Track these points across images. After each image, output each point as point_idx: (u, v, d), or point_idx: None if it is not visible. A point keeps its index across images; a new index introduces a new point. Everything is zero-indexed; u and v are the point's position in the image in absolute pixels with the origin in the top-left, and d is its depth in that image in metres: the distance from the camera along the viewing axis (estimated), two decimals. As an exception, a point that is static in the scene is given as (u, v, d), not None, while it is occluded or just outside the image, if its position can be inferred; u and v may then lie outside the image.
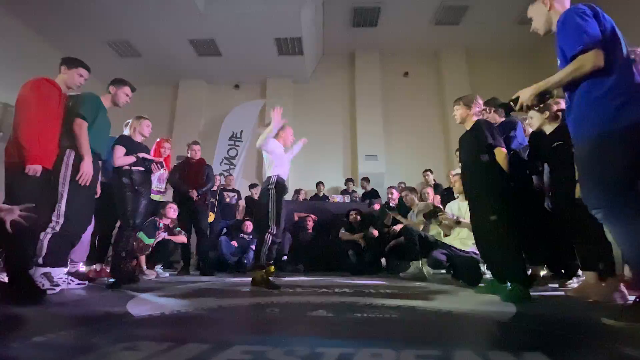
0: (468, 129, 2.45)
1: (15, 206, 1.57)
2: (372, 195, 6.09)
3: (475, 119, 2.43)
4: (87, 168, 2.27)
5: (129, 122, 3.23)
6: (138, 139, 3.05)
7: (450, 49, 7.41)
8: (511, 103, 1.74)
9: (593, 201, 1.43)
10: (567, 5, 1.64)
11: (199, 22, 5.94)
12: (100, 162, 2.52)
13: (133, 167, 2.86)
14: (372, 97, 7.41)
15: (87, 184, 2.30)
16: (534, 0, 1.71)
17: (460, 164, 2.67)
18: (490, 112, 2.77)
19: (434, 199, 4.35)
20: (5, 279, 1.94)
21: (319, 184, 6.52)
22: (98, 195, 2.68)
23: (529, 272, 2.61)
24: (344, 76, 7.79)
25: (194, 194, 3.97)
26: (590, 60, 1.39)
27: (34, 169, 2.06)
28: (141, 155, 2.92)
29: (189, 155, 4.26)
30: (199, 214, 4.09)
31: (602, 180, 1.39)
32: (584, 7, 1.48)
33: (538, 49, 6.88)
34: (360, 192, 6.55)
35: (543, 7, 1.67)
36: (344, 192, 6.39)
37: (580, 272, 2.53)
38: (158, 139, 4.06)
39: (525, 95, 1.66)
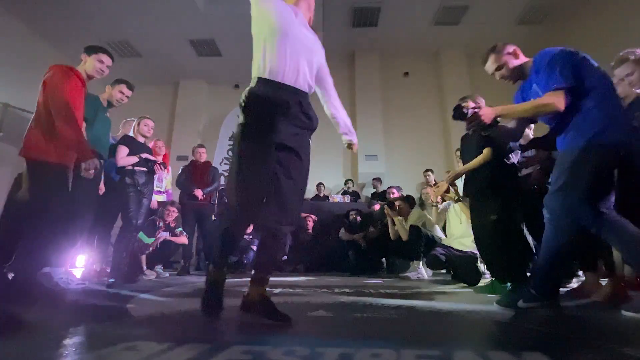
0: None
1: None
2: (382, 196, 6.06)
3: None
4: (90, 165, 2.23)
5: (125, 122, 3.24)
6: (139, 139, 3.07)
7: (450, 49, 7.40)
8: (468, 111, 1.83)
9: (552, 203, 1.59)
10: (525, 58, 1.86)
11: (199, 22, 5.94)
12: (101, 162, 2.52)
13: (136, 168, 2.87)
14: (372, 97, 7.41)
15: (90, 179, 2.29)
16: (499, 51, 1.86)
17: (460, 164, 2.67)
18: None
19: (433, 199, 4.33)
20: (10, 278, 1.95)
21: (319, 184, 6.52)
22: (102, 192, 2.69)
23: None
24: (344, 76, 7.78)
25: (199, 193, 4.06)
26: (555, 101, 1.58)
27: (94, 164, 1.94)
28: (144, 155, 2.92)
29: (194, 157, 4.39)
30: (203, 215, 4.16)
31: (566, 187, 1.54)
32: (566, 50, 1.67)
33: (538, 50, 6.86)
34: (369, 192, 6.56)
35: (512, 56, 1.84)
36: (344, 193, 6.40)
37: (579, 272, 2.53)
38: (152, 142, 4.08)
39: (487, 113, 1.77)
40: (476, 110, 1.81)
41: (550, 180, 2.60)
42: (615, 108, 1.56)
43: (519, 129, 2.01)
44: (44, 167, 1.92)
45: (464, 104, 1.98)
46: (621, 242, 1.47)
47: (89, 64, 2.27)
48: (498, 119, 1.93)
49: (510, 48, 1.86)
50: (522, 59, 1.84)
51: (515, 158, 2.66)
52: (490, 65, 1.90)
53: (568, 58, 1.62)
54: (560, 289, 2.44)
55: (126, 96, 2.71)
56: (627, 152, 1.52)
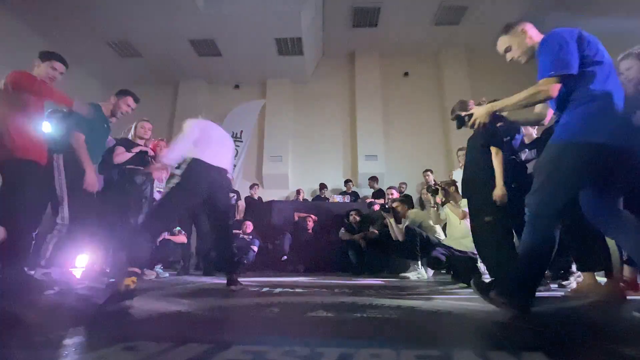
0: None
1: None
2: (379, 195, 6.08)
3: None
4: (90, 180, 2.27)
5: (129, 128, 3.25)
6: (138, 142, 3.08)
7: (450, 49, 7.41)
8: (466, 117, 1.78)
9: (530, 201, 1.52)
10: (539, 36, 1.66)
11: (199, 22, 5.94)
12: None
13: (134, 167, 2.87)
14: (372, 97, 7.41)
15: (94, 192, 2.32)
16: (508, 30, 1.73)
17: (461, 164, 2.68)
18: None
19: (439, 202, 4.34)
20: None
21: (322, 186, 6.52)
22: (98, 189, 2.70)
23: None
24: (344, 76, 7.78)
25: None
26: (545, 89, 1.46)
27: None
28: (136, 149, 2.93)
29: None
30: (199, 215, 4.10)
31: (542, 185, 1.48)
32: (566, 32, 1.51)
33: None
34: (362, 192, 6.57)
35: (523, 35, 1.69)
36: (343, 193, 6.40)
37: (574, 268, 2.54)
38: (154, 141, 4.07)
39: (480, 112, 1.71)
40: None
41: None
42: (613, 105, 1.42)
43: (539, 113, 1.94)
44: (11, 163, 2.02)
45: (462, 113, 1.87)
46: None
47: (42, 70, 2.29)
48: (503, 114, 1.86)
49: (520, 27, 1.71)
50: (535, 38, 1.67)
51: (524, 155, 2.66)
52: (499, 46, 1.78)
53: (565, 42, 1.46)
54: (560, 289, 2.45)
55: (132, 109, 2.72)
56: (622, 153, 1.40)
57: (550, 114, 1.97)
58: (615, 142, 1.38)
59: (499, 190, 2.18)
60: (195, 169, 2.14)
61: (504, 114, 1.96)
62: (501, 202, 2.17)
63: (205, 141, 2.28)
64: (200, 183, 2.14)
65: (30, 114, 2.14)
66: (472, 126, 1.76)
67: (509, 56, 1.75)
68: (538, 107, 1.96)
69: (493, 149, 2.23)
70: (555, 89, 1.46)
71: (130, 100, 2.70)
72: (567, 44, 1.45)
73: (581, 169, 1.43)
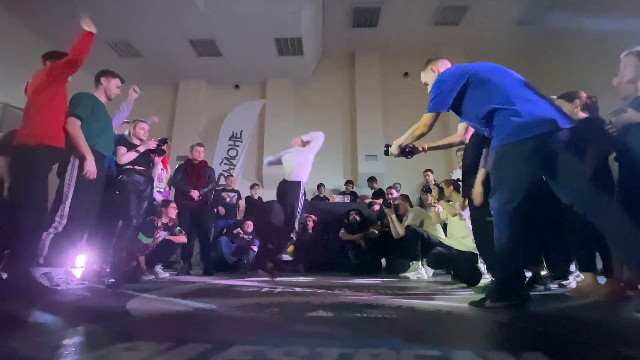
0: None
1: None
2: (379, 195, 6.07)
3: None
4: (89, 167, 2.26)
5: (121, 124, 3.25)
6: (135, 142, 3.08)
7: (450, 49, 7.39)
8: (389, 148, 2.18)
9: (492, 204, 1.67)
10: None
11: (199, 22, 5.94)
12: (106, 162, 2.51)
13: (135, 167, 2.87)
14: (372, 97, 7.40)
15: (94, 179, 2.30)
16: (424, 68, 2.05)
17: (461, 164, 2.67)
18: None
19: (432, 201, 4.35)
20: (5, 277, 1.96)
21: (320, 185, 6.51)
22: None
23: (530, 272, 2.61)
24: (344, 76, 7.78)
25: (195, 194, 4.00)
26: (422, 125, 1.88)
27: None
28: (142, 148, 2.93)
29: (191, 156, 4.31)
30: (200, 215, 4.10)
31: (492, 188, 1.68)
32: (445, 74, 1.80)
33: (538, 50, 6.87)
34: (362, 192, 6.57)
35: (433, 74, 1.98)
36: (342, 193, 6.39)
37: (572, 267, 2.54)
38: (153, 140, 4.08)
39: (393, 146, 2.16)
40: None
41: None
42: (518, 107, 1.58)
43: None
44: (19, 149, 2.08)
45: (388, 144, 2.27)
46: (499, 244, 1.65)
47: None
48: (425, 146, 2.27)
49: (430, 67, 2.01)
50: None
51: None
52: (422, 80, 2.10)
53: (440, 85, 1.75)
54: (560, 289, 2.45)
55: (119, 90, 2.72)
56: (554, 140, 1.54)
57: (469, 135, 2.29)
58: (538, 132, 1.53)
59: (476, 190, 2.22)
60: (280, 185, 3.57)
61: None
62: (478, 203, 2.20)
63: (284, 166, 3.59)
64: (281, 193, 3.53)
65: (62, 102, 2.28)
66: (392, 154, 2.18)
67: (429, 89, 2.00)
68: (460, 128, 2.29)
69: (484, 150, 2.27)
70: (428, 124, 1.86)
71: (118, 82, 2.67)
72: (442, 87, 1.75)
73: (520, 162, 1.58)
